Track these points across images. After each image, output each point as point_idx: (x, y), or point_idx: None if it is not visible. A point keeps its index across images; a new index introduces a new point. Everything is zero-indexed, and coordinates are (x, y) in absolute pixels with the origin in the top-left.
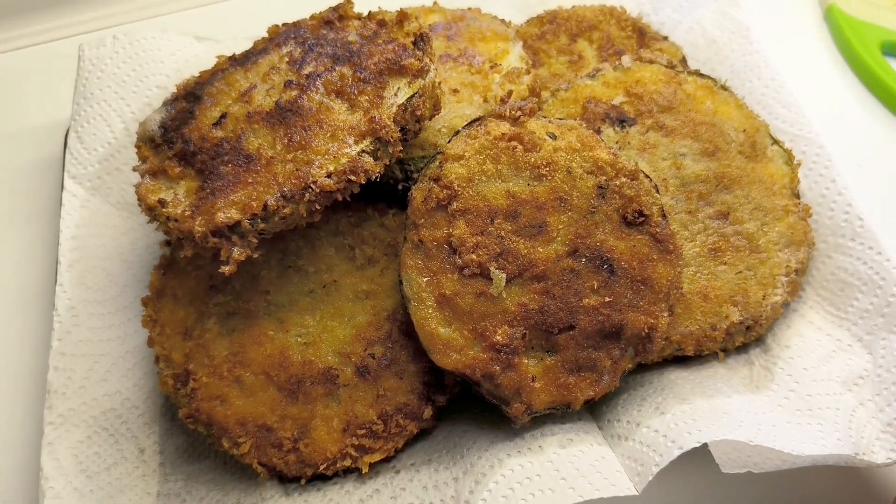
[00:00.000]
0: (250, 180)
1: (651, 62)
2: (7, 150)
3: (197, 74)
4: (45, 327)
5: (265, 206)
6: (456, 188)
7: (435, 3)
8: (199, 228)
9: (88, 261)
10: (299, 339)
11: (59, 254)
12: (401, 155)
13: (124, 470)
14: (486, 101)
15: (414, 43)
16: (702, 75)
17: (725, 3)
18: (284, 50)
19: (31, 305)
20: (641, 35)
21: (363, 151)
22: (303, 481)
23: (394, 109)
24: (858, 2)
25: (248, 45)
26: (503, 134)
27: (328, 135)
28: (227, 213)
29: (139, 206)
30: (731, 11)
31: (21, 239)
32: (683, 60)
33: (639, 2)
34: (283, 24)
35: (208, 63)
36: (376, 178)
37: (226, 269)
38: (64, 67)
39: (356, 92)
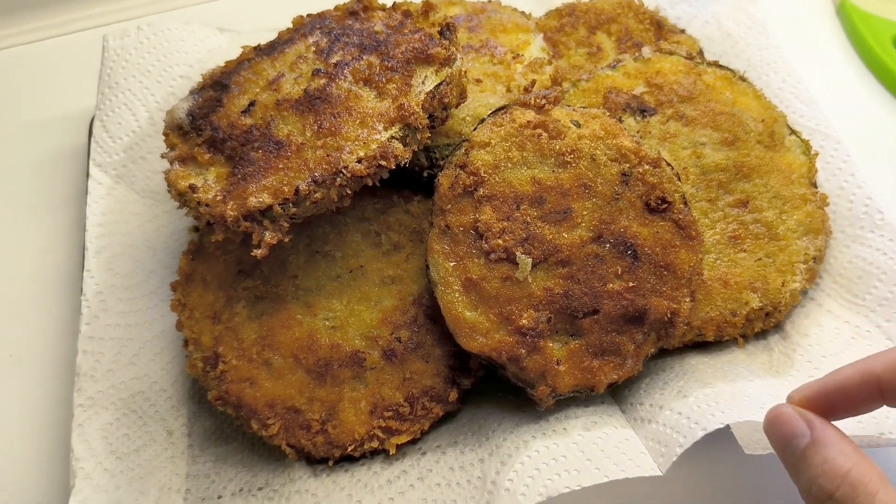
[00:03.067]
0: (281, 166)
1: (671, 53)
2: (32, 139)
3: (222, 64)
4: (72, 313)
5: (297, 191)
6: (482, 174)
7: None
8: (231, 213)
9: (115, 247)
10: (327, 323)
11: (86, 240)
12: (427, 142)
13: (153, 451)
14: (509, 90)
15: (440, 32)
16: (721, 66)
17: None
18: (311, 40)
19: (58, 292)
20: (659, 28)
21: (392, 137)
22: (330, 462)
23: (422, 97)
24: None
25: (269, 36)
26: (528, 122)
27: (357, 121)
28: (258, 198)
29: (169, 191)
30: (747, 6)
31: (47, 227)
32: (701, 53)
33: None
34: (308, 15)
35: (231, 54)
36: (405, 164)
37: (258, 252)
38: (88, 58)
39: (384, 80)
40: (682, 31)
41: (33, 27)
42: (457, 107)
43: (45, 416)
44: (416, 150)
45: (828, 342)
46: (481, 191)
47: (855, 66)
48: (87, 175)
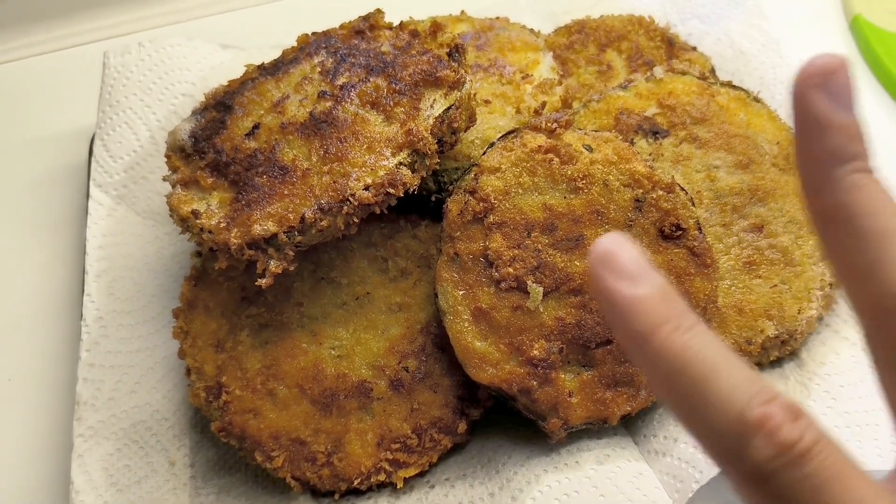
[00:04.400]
0: (286, 192)
1: (683, 73)
2: (30, 156)
3: (225, 83)
4: (70, 337)
5: (302, 219)
6: (492, 201)
7: (462, 12)
8: (235, 241)
9: (115, 270)
10: (333, 352)
11: (87, 263)
12: (436, 167)
13: (155, 483)
14: (518, 112)
15: (449, 54)
16: (734, 87)
17: (753, 14)
18: (316, 60)
19: (56, 314)
20: (670, 45)
21: (401, 164)
22: (336, 496)
23: (430, 121)
24: (885, 12)
25: (273, 54)
26: (539, 146)
27: (364, 147)
28: (263, 226)
29: (171, 216)
30: (760, 23)
31: (46, 246)
32: (713, 71)
33: (665, 12)
34: (313, 34)
35: (234, 71)
36: (413, 190)
37: (262, 281)
38: (88, 73)
39: (392, 103)
40: (694, 49)
41: (31, 41)
42: (466, 131)
43: (43, 444)
44: (425, 176)
45: (846, 371)
46: (491, 217)
47: (868, 82)
48: (88, 195)
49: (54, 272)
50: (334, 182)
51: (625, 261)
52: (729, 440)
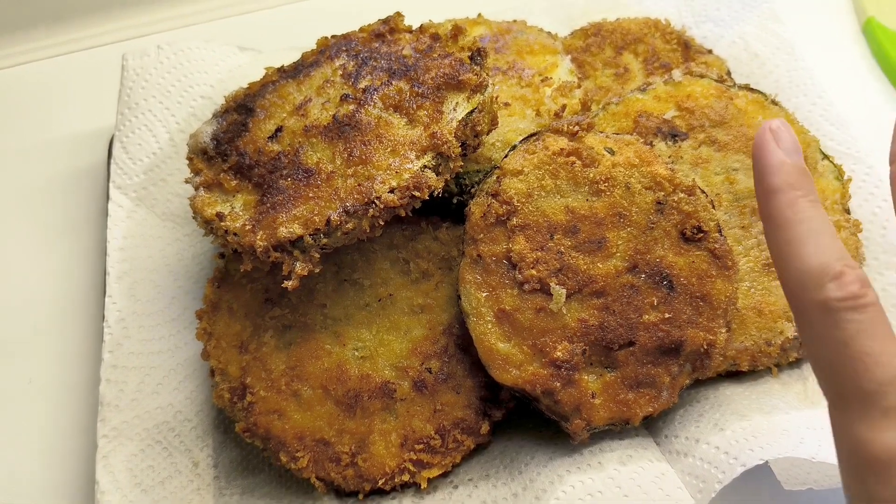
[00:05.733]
0: (311, 195)
1: (702, 76)
2: (49, 158)
3: (244, 86)
4: (92, 339)
5: (328, 222)
6: (515, 203)
7: (480, 15)
8: (261, 243)
9: (137, 272)
10: (356, 353)
11: (108, 265)
12: (459, 169)
13: (179, 483)
14: (538, 114)
15: (471, 58)
16: (752, 90)
17: (767, 18)
18: (337, 63)
19: (78, 316)
20: (686, 48)
21: (425, 166)
22: (360, 496)
23: (454, 125)
24: None
25: (291, 56)
26: (562, 149)
27: (389, 150)
28: (289, 228)
29: (194, 218)
30: (774, 27)
31: (66, 248)
32: (728, 74)
33: (680, 15)
34: (333, 36)
35: (252, 74)
36: (438, 193)
37: (288, 283)
38: (106, 75)
39: (415, 107)
40: (710, 52)
41: (50, 43)
42: (488, 134)
43: (67, 445)
44: (449, 178)
45: None
46: (514, 220)
47: (882, 85)
48: (107, 197)
49: (74, 274)
50: (359, 185)
51: (787, 138)
52: (812, 277)
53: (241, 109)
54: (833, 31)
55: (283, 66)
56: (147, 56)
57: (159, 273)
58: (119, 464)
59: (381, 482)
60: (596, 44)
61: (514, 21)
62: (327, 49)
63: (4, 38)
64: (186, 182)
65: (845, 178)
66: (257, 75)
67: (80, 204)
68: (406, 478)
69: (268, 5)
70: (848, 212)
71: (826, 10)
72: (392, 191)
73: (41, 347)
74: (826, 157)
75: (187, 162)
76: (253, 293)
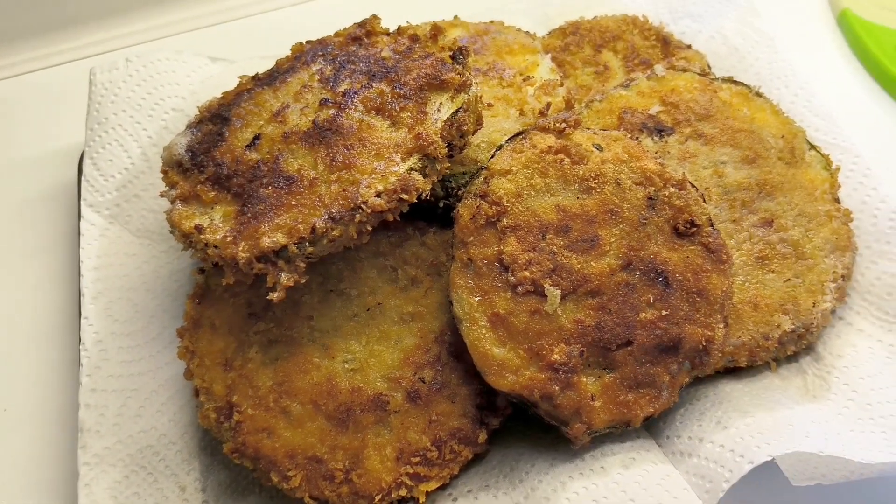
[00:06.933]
0: (294, 203)
1: (684, 70)
2: (19, 178)
3: (217, 96)
4: (69, 362)
5: (313, 229)
6: (504, 204)
7: (456, 17)
8: (244, 254)
9: (112, 292)
10: (346, 366)
11: (82, 285)
12: (446, 171)
13: None
14: (522, 114)
15: (452, 57)
16: (736, 82)
17: (746, 11)
18: (314, 67)
19: (53, 340)
20: (666, 44)
21: (412, 169)
22: None
23: (439, 125)
24: (872, 5)
25: (265, 65)
26: (549, 147)
27: (373, 153)
28: (272, 238)
29: (172, 232)
30: (752, 20)
31: (37, 270)
32: (709, 68)
33: (657, 12)
34: (308, 42)
35: (225, 84)
36: (426, 196)
37: (274, 295)
38: (74, 91)
39: (397, 108)
40: (689, 47)
41: (15, 60)
42: (474, 133)
43: (46, 475)
44: (436, 180)
45: (864, 363)
46: (504, 221)
47: (859, 76)
48: (79, 215)
49: (48, 296)
50: (344, 190)
51: None
52: None
53: (215, 119)
54: (808, 24)
55: (257, 74)
56: (115, 69)
57: (136, 292)
58: (102, 492)
59: (377, 498)
60: (575, 42)
61: (492, 22)
62: (303, 55)
63: None
64: (162, 196)
65: (833, 167)
66: (230, 85)
67: (52, 224)
68: (403, 492)
69: (238, 15)
70: (838, 201)
71: (801, 4)
72: (379, 195)
73: (15, 374)
74: (813, 147)
75: (162, 175)
76: (235, 308)
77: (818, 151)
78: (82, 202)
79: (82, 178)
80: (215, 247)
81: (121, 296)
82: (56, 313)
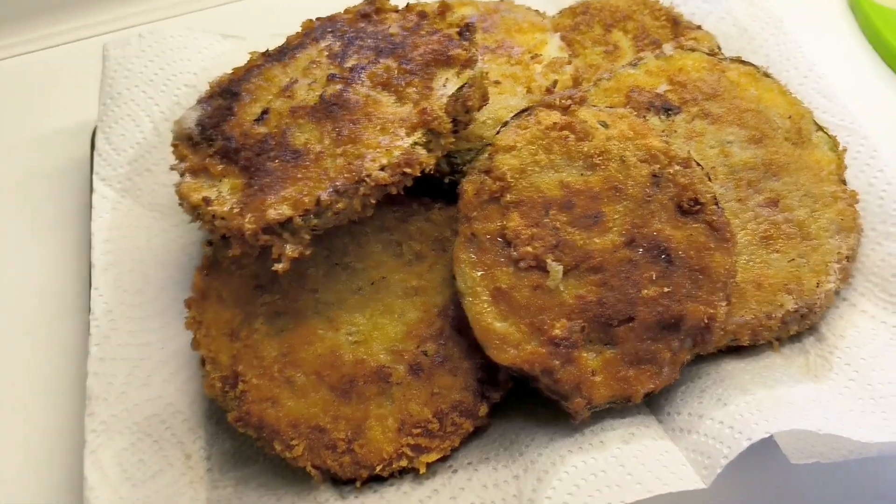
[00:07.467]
0: (300, 176)
1: (692, 50)
2: (33, 153)
3: (228, 72)
4: (79, 333)
5: (318, 202)
6: (508, 180)
7: None
8: (250, 226)
9: (123, 263)
10: (350, 338)
11: (93, 257)
12: (451, 147)
13: (171, 477)
14: (529, 91)
15: (459, 33)
16: (744, 62)
17: None
18: (322, 44)
19: (64, 311)
20: (676, 24)
21: (416, 144)
22: (358, 483)
23: (444, 100)
24: None
25: (276, 42)
26: (554, 123)
27: (378, 128)
28: (278, 210)
29: (181, 205)
30: (761, 2)
31: (50, 243)
32: (718, 49)
33: None
34: (318, 19)
35: (236, 61)
36: (430, 170)
37: (279, 266)
38: (88, 68)
39: (403, 84)
40: (699, 27)
41: (30, 37)
42: (479, 110)
43: (55, 442)
44: (440, 156)
45: (866, 344)
46: (508, 196)
47: (869, 58)
48: (91, 189)
49: (60, 268)
50: (349, 164)
51: None
52: None
53: (226, 94)
54: (819, 6)
55: (267, 50)
56: (129, 45)
57: (146, 264)
58: (108, 459)
59: (378, 468)
60: (584, 22)
61: (501, 0)
62: (312, 31)
63: None
64: (172, 169)
65: (840, 148)
66: (241, 62)
67: (66, 198)
68: (404, 463)
69: None
70: (844, 182)
71: None
72: (383, 168)
73: (28, 344)
74: (820, 128)
75: (172, 149)
76: (242, 280)
77: (825, 132)
78: (94, 176)
79: (94, 153)
80: (222, 218)
81: (131, 267)
82: (67, 286)
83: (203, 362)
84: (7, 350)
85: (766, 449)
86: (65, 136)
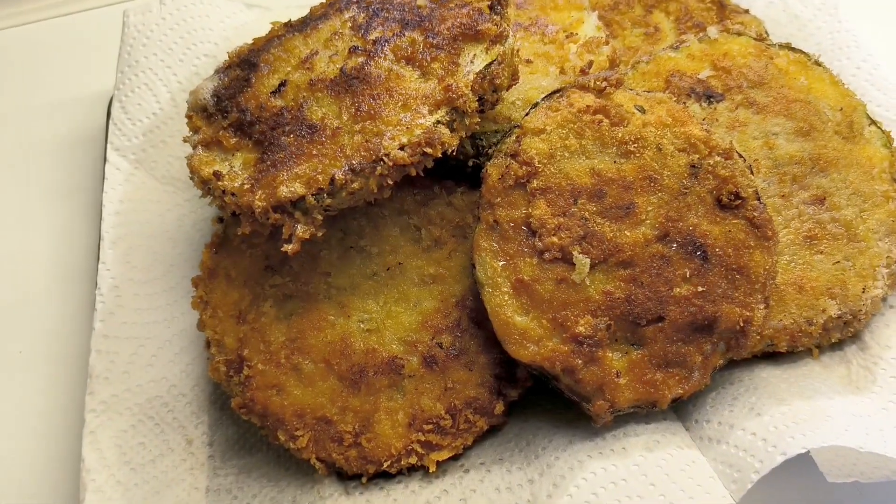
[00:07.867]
0: (315, 152)
1: (739, 34)
2: (49, 121)
3: (249, 42)
4: (86, 307)
5: (332, 180)
6: (536, 165)
7: None
8: (260, 203)
9: (133, 238)
10: (362, 326)
11: (102, 230)
12: (475, 128)
13: (171, 462)
14: (563, 72)
15: (490, 7)
16: (794, 49)
17: None
18: (346, 15)
19: (71, 284)
20: (721, 7)
21: (438, 122)
22: (364, 479)
23: (471, 77)
24: None
25: (300, 13)
26: (588, 106)
27: (399, 104)
28: (290, 187)
29: (191, 178)
30: None
31: (61, 214)
32: (765, 34)
33: None
34: None
35: (258, 31)
36: (452, 151)
37: (289, 247)
38: (107, 36)
39: (428, 58)
40: (746, 11)
41: (50, 2)
42: (508, 89)
43: (54, 420)
44: (465, 136)
45: None
46: (535, 183)
47: None
48: (105, 159)
49: (70, 240)
50: (367, 141)
51: None
52: None
53: (244, 64)
54: None
55: (290, 21)
56: (149, 12)
57: (157, 239)
58: (107, 440)
59: (386, 464)
60: (625, 2)
61: None
62: (337, 1)
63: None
64: (185, 141)
65: (894, 145)
66: (264, 32)
67: (79, 168)
68: (413, 460)
69: None
70: None
71: None
72: (402, 148)
73: (32, 317)
74: (873, 122)
75: (186, 120)
76: (252, 259)
77: (878, 127)
78: (109, 146)
79: (110, 122)
80: (233, 194)
81: (141, 242)
82: (77, 256)
83: (208, 344)
84: (13, 324)
85: (801, 464)
86: (82, 104)
